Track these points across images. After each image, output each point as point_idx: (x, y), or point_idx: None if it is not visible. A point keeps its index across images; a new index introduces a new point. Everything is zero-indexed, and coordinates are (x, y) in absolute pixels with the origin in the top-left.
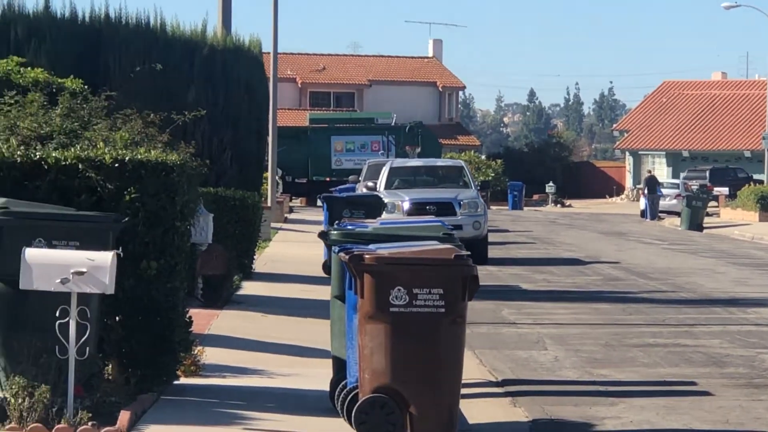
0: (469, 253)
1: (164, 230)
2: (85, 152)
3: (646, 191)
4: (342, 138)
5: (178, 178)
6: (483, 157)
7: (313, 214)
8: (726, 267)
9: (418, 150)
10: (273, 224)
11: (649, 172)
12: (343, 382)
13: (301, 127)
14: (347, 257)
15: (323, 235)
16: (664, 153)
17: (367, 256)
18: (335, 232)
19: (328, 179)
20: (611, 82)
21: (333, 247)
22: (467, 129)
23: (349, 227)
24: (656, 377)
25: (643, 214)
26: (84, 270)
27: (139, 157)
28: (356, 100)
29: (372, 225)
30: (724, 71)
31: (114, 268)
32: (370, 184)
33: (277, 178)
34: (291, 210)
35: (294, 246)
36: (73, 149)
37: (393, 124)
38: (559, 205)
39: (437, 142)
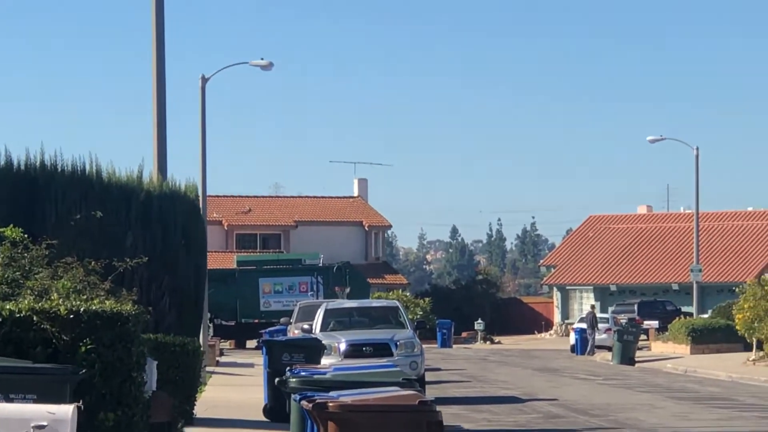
0: (432, 398)
1: (121, 381)
2: (40, 304)
3: (587, 326)
4: (270, 280)
5: (133, 327)
6: (410, 295)
7: (244, 357)
8: (665, 401)
9: (348, 290)
10: (206, 368)
11: (592, 307)
12: None
13: (228, 270)
14: (310, 405)
15: (282, 383)
16: (591, 287)
17: (330, 404)
18: (294, 379)
19: (257, 321)
20: (533, 218)
21: (293, 395)
22: (394, 268)
23: (305, 373)
24: None
25: (573, 349)
26: (45, 423)
27: (94, 307)
28: (283, 241)
29: (328, 371)
30: (649, 204)
31: (75, 421)
32: (305, 326)
33: (207, 322)
34: (222, 353)
35: (230, 390)
36: (27, 301)
37: (321, 264)
38: (488, 342)
39: (365, 282)
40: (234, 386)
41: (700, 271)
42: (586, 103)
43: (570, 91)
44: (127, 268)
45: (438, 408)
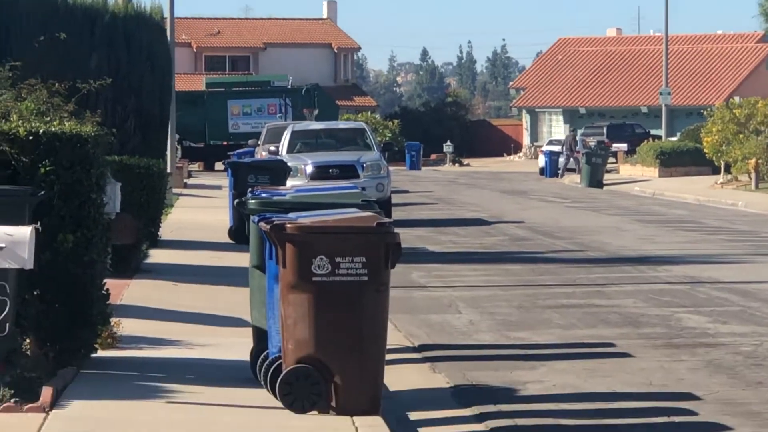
0: (390, 220)
1: (80, 203)
2: None
3: (566, 148)
4: (238, 102)
5: (93, 149)
6: (379, 117)
7: (212, 179)
8: (631, 224)
9: (316, 112)
10: (174, 190)
11: (573, 131)
12: (264, 353)
13: (197, 92)
14: (268, 227)
15: (241, 204)
16: (561, 110)
17: (288, 226)
18: (253, 200)
19: (225, 143)
20: (504, 40)
21: (252, 217)
22: (363, 90)
23: (264, 195)
24: (574, 339)
25: (542, 171)
26: (2, 245)
27: (54, 129)
28: (252, 64)
29: (289, 193)
30: (619, 27)
31: (33, 243)
32: (272, 148)
33: (176, 144)
34: (190, 175)
35: (197, 212)
36: None
37: (289, 86)
38: (457, 165)
39: (334, 104)
40: (201, 208)
41: (669, 94)
42: None
43: None
44: (92, 90)
45: (398, 230)
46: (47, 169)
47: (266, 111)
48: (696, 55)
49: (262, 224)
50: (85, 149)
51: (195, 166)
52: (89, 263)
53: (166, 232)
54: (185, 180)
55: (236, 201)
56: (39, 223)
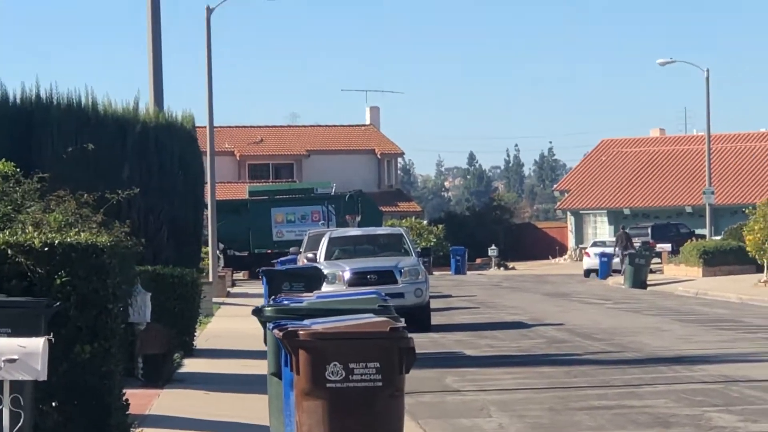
0: (404, 324)
1: (97, 313)
2: (14, 237)
3: (618, 248)
4: (282, 209)
5: (109, 259)
6: (425, 222)
7: (256, 287)
8: (671, 324)
9: (359, 219)
10: (215, 299)
11: (623, 228)
12: None
13: (240, 200)
14: (281, 334)
15: (257, 312)
16: (605, 211)
17: (301, 332)
18: (269, 308)
19: (269, 251)
20: (551, 143)
21: (267, 324)
22: (408, 195)
23: (284, 302)
24: None
25: (587, 273)
26: (15, 357)
27: (69, 240)
28: (295, 171)
29: (307, 299)
30: (662, 127)
31: (46, 354)
32: (310, 255)
33: (218, 252)
34: (233, 284)
35: (236, 321)
36: (1, 234)
37: (333, 193)
38: (502, 268)
39: (378, 210)
40: (240, 317)
41: (713, 193)
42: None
43: (585, 15)
44: (124, 201)
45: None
46: (63, 279)
47: (310, 218)
48: (739, 153)
49: (275, 331)
50: (101, 259)
51: (240, 275)
52: (107, 374)
53: (201, 341)
54: (228, 289)
55: (252, 309)
56: (52, 335)
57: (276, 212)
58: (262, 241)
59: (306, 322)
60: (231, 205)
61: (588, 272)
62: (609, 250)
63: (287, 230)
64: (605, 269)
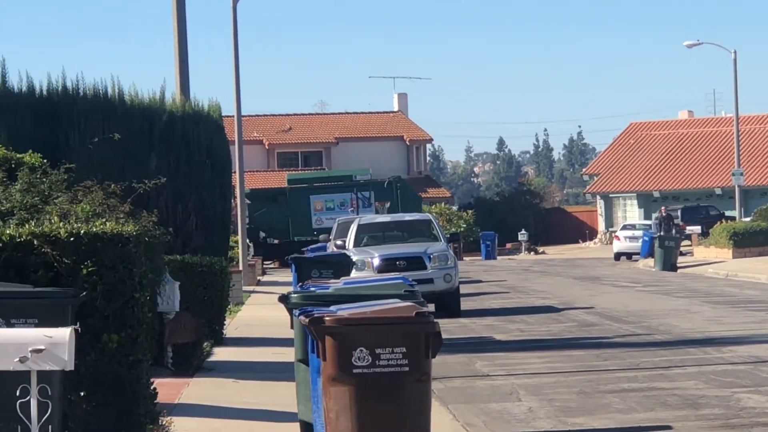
0: (430, 310)
1: (124, 302)
2: (40, 228)
3: (663, 227)
4: (321, 197)
5: (135, 249)
6: (454, 208)
7: (286, 276)
8: (701, 306)
9: (387, 205)
10: (245, 287)
11: (663, 209)
12: None
13: (279, 188)
14: (307, 320)
15: (284, 299)
16: (635, 194)
17: (327, 318)
18: (296, 295)
19: (310, 239)
20: (579, 127)
21: (294, 311)
22: (437, 181)
23: (311, 289)
24: (632, 423)
25: (617, 257)
26: (42, 347)
27: (95, 229)
28: (324, 159)
29: (334, 286)
30: (690, 110)
31: (73, 344)
32: (338, 242)
33: (248, 242)
34: (264, 272)
35: (265, 309)
36: (28, 225)
37: (371, 179)
38: (532, 253)
39: (416, 196)
40: (270, 305)
41: (742, 174)
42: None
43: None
44: (152, 190)
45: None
46: (89, 269)
47: (349, 205)
48: None
49: (302, 318)
50: (127, 249)
51: (271, 264)
52: (134, 363)
53: (231, 329)
54: (258, 277)
55: (279, 296)
56: (79, 324)
57: (315, 200)
58: (302, 229)
59: (332, 308)
60: (270, 193)
61: (618, 255)
62: (638, 233)
63: (327, 218)
64: (646, 248)
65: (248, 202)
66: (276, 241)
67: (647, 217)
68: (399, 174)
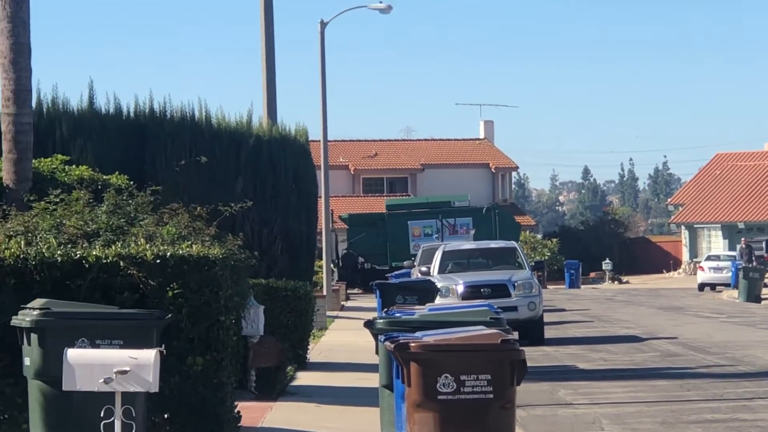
0: (516, 337)
1: (209, 325)
2: (126, 249)
3: (745, 260)
4: (419, 222)
5: (221, 272)
6: (539, 236)
7: (369, 301)
8: None
9: (473, 232)
10: (329, 312)
11: (744, 241)
12: None
13: (378, 214)
14: (392, 346)
15: (369, 324)
16: (719, 225)
17: (412, 344)
18: (381, 320)
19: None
20: (665, 156)
21: (379, 336)
22: (522, 209)
23: (396, 315)
24: None
25: (701, 287)
26: (127, 369)
27: (181, 252)
28: (410, 185)
29: (419, 312)
30: None
31: (158, 366)
32: (423, 269)
33: (332, 266)
34: (348, 297)
35: (349, 334)
36: (114, 247)
37: (468, 205)
38: (616, 282)
39: (515, 222)
40: (354, 330)
41: None
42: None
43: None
44: (238, 213)
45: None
46: (175, 292)
47: (447, 231)
48: None
49: (387, 343)
50: (213, 271)
51: (355, 290)
52: (219, 385)
53: (316, 354)
54: (342, 302)
55: (365, 321)
56: (164, 346)
57: (413, 225)
58: (399, 254)
59: (417, 334)
60: (369, 218)
61: (702, 286)
62: (723, 263)
63: (425, 244)
64: (735, 279)
65: (347, 227)
66: (385, 267)
67: (732, 247)
68: (485, 201)
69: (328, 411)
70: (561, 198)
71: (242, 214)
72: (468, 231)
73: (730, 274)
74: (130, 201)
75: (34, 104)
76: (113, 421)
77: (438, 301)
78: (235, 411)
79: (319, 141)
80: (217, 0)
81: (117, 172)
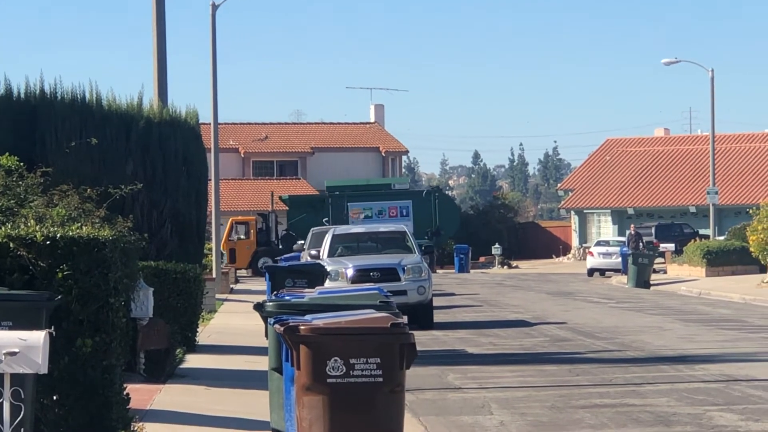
0: (405, 321)
1: (98, 307)
2: (16, 231)
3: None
4: (359, 204)
5: (111, 254)
6: None
7: (259, 284)
8: (673, 324)
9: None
10: (218, 296)
11: (634, 227)
12: None
13: (319, 195)
14: (282, 329)
15: (259, 307)
16: (609, 211)
17: (302, 327)
18: (270, 303)
19: None
20: (555, 142)
21: (269, 319)
22: None
23: (286, 298)
24: None
25: (590, 273)
26: (16, 350)
27: (71, 234)
28: (300, 168)
29: (309, 295)
30: (666, 127)
31: (47, 348)
32: (313, 252)
33: (220, 249)
34: (237, 281)
35: (238, 317)
36: (3, 228)
37: (408, 189)
38: (506, 267)
39: (455, 206)
40: (243, 313)
41: (716, 193)
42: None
43: (591, 14)
44: (127, 196)
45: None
46: (65, 273)
47: (387, 214)
48: (744, 153)
49: (276, 326)
50: (103, 253)
51: (243, 272)
52: (108, 368)
53: (204, 337)
54: (231, 285)
55: (254, 304)
56: (54, 328)
57: (353, 207)
58: None
59: (307, 317)
60: (309, 200)
61: (591, 271)
62: (612, 249)
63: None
64: (626, 265)
65: (286, 208)
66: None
67: (621, 233)
68: None
69: (217, 393)
70: (451, 182)
71: (132, 197)
72: (407, 213)
73: (619, 259)
74: (20, 182)
75: None
76: (2, 402)
77: (328, 284)
78: (124, 393)
79: (210, 124)
80: None
81: (7, 154)
